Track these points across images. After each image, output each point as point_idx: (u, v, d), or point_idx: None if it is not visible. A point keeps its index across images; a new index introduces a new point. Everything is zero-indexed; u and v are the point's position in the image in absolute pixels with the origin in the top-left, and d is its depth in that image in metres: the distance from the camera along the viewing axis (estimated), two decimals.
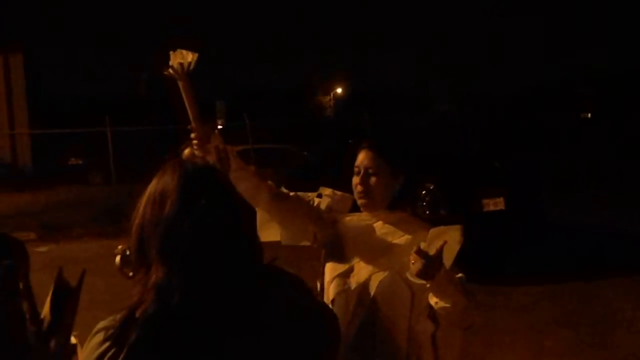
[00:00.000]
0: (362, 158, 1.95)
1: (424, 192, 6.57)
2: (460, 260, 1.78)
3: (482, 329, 4.42)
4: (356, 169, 1.96)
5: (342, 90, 39.82)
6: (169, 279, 1.08)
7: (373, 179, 1.92)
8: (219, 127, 17.39)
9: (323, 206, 2.05)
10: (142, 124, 15.41)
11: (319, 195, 2.07)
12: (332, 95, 40.49)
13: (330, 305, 1.92)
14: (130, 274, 1.79)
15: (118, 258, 1.92)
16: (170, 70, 1.90)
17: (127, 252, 1.87)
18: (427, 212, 6.43)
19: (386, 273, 1.86)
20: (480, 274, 4.96)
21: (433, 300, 1.77)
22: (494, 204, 6.74)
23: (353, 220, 1.98)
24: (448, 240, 1.69)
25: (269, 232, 2.02)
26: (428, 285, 1.71)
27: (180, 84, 1.91)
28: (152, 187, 1.19)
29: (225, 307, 1.09)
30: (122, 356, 1.04)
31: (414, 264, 1.66)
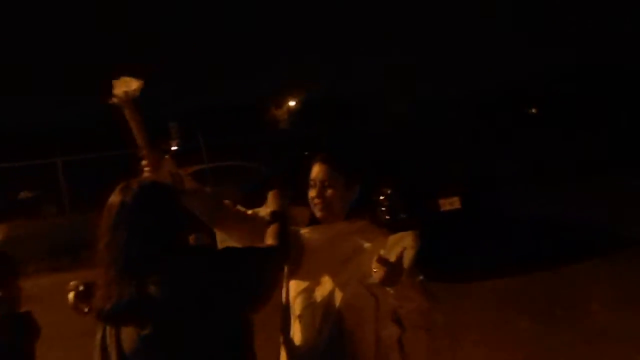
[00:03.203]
0: (317, 171, 1.98)
1: (382, 197, 6.64)
2: (421, 261, 1.83)
3: (449, 327, 4.48)
4: (312, 182, 1.98)
5: (295, 102, 39.90)
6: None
7: (329, 191, 1.95)
8: (174, 148, 17.15)
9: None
10: (91, 152, 15.07)
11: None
12: (285, 108, 40.54)
13: (297, 321, 1.94)
14: (86, 309, 1.78)
15: (72, 294, 1.89)
16: (115, 99, 1.89)
17: (81, 288, 1.85)
18: (387, 217, 6.51)
19: (350, 283, 1.88)
20: (441, 273, 5.07)
21: (397, 305, 1.81)
22: (450, 204, 6.88)
23: (313, 232, 2.00)
24: (406, 245, 1.73)
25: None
26: (391, 292, 1.74)
27: (125, 111, 1.90)
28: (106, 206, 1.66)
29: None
30: None
31: (376, 272, 1.69)
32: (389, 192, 6.63)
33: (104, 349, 1.64)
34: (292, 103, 40.10)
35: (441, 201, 6.84)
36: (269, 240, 1.88)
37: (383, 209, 6.62)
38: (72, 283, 1.91)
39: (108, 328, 1.65)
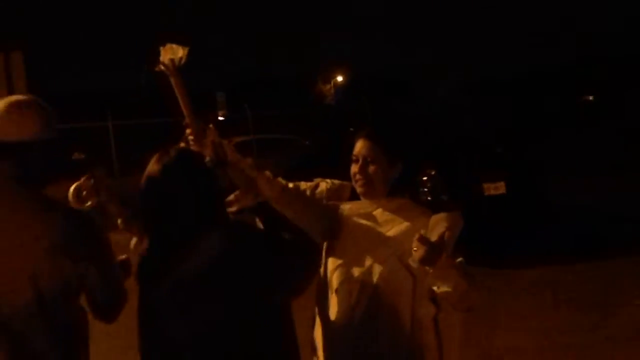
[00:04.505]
0: (360, 147, 1.97)
1: (425, 178, 6.58)
2: (462, 243, 1.81)
3: (486, 312, 4.45)
4: (354, 158, 1.98)
5: (343, 77, 39.63)
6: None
7: (371, 168, 1.94)
8: (221, 118, 17.33)
9: (321, 195, 2.07)
10: (143, 117, 15.40)
11: (316, 187, 2.10)
12: (332, 83, 40.32)
13: (334, 295, 1.95)
14: (88, 203, 1.98)
15: (72, 189, 2.01)
16: (162, 66, 1.91)
17: (82, 188, 2.04)
18: (429, 198, 6.45)
19: (388, 260, 1.88)
20: (481, 257, 5.01)
21: (434, 284, 1.80)
22: (495, 188, 6.76)
23: (353, 208, 2.00)
24: (448, 226, 1.72)
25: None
26: (430, 271, 1.74)
27: (172, 79, 1.92)
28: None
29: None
30: None
31: (416, 250, 1.69)
32: (432, 173, 6.56)
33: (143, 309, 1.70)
34: (339, 78, 39.86)
35: (486, 185, 6.74)
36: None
37: (425, 189, 6.56)
38: (75, 184, 2.04)
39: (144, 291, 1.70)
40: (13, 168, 1.77)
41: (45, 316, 1.72)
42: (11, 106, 1.78)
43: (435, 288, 1.79)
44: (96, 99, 20.96)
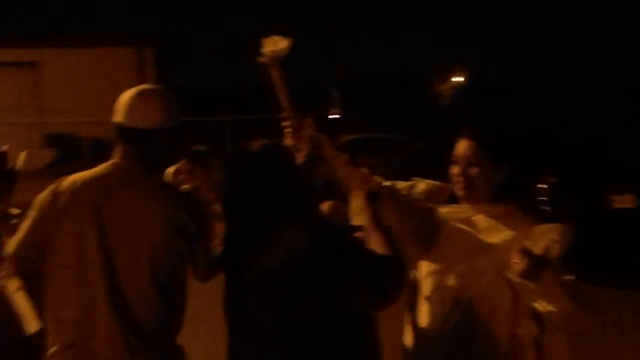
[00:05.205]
0: (462, 147, 1.84)
1: (543, 186, 6.18)
2: (573, 258, 1.64)
3: (601, 336, 4.06)
4: (455, 158, 1.85)
5: (461, 78, 38.54)
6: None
7: (473, 170, 1.81)
8: (335, 116, 17.51)
9: (418, 195, 1.96)
10: (256, 113, 15.96)
11: (413, 187, 1.99)
12: (449, 84, 39.34)
13: (424, 301, 1.85)
14: (185, 186, 2.09)
15: (171, 172, 2.15)
16: (263, 58, 1.91)
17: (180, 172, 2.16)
18: (546, 209, 6.05)
19: (486, 271, 1.75)
20: (602, 276, 4.59)
21: (537, 302, 1.65)
22: (623, 201, 6.22)
23: (451, 212, 1.88)
24: (555, 238, 1.56)
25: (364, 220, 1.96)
26: (532, 287, 1.59)
27: (272, 71, 1.91)
28: None
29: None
30: None
31: (517, 263, 1.57)
32: (552, 181, 6.15)
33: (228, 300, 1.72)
34: (457, 79, 38.80)
35: (614, 198, 6.22)
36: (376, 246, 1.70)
37: (543, 199, 6.17)
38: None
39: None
40: (139, 152, 1.92)
41: (158, 289, 1.87)
42: (139, 95, 1.93)
43: (538, 306, 1.64)
44: (218, 94, 22.03)
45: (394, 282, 1.61)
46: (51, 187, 1.93)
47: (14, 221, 2.35)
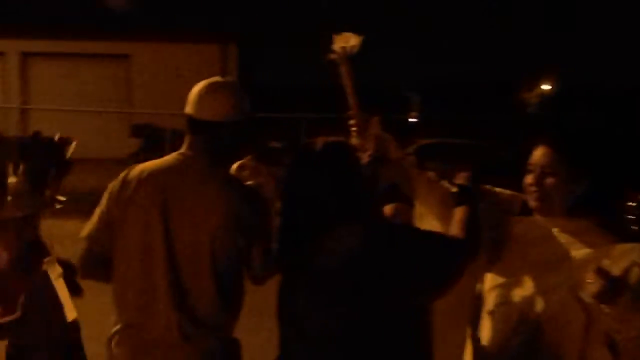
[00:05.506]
0: (538, 155, 1.71)
1: (633, 203, 5.77)
2: None
3: None
4: (530, 167, 1.73)
5: (550, 86, 36.99)
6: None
7: (549, 180, 1.68)
8: (413, 120, 17.31)
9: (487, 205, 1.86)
10: (332, 111, 16.01)
11: None
12: (537, 91, 37.85)
13: (487, 316, 1.75)
14: (249, 182, 2.09)
15: (236, 167, 2.13)
16: (333, 55, 1.89)
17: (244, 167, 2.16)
18: (637, 228, 5.64)
19: (557, 290, 1.62)
20: None
21: (613, 328, 1.51)
22: None
23: (523, 224, 1.76)
24: (637, 260, 1.42)
25: (429, 224, 1.89)
26: (607, 311, 1.46)
27: (341, 67, 1.89)
28: None
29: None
30: None
31: (592, 283, 1.45)
32: None
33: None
34: (545, 87, 37.30)
35: None
36: (455, 228, 1.67)
37: (632, 217, 5.76)
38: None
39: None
40: (205, 144, 1.94)
41: (216, 280, 1.89)
42: (208, 87, 1.95)
43: (613, 332, 1.50)
44: (298, 91, 22.30)
45: (452, 268, 1.57)
46: (121, 175, 1.99)
47: (58, 206, 2.45)
